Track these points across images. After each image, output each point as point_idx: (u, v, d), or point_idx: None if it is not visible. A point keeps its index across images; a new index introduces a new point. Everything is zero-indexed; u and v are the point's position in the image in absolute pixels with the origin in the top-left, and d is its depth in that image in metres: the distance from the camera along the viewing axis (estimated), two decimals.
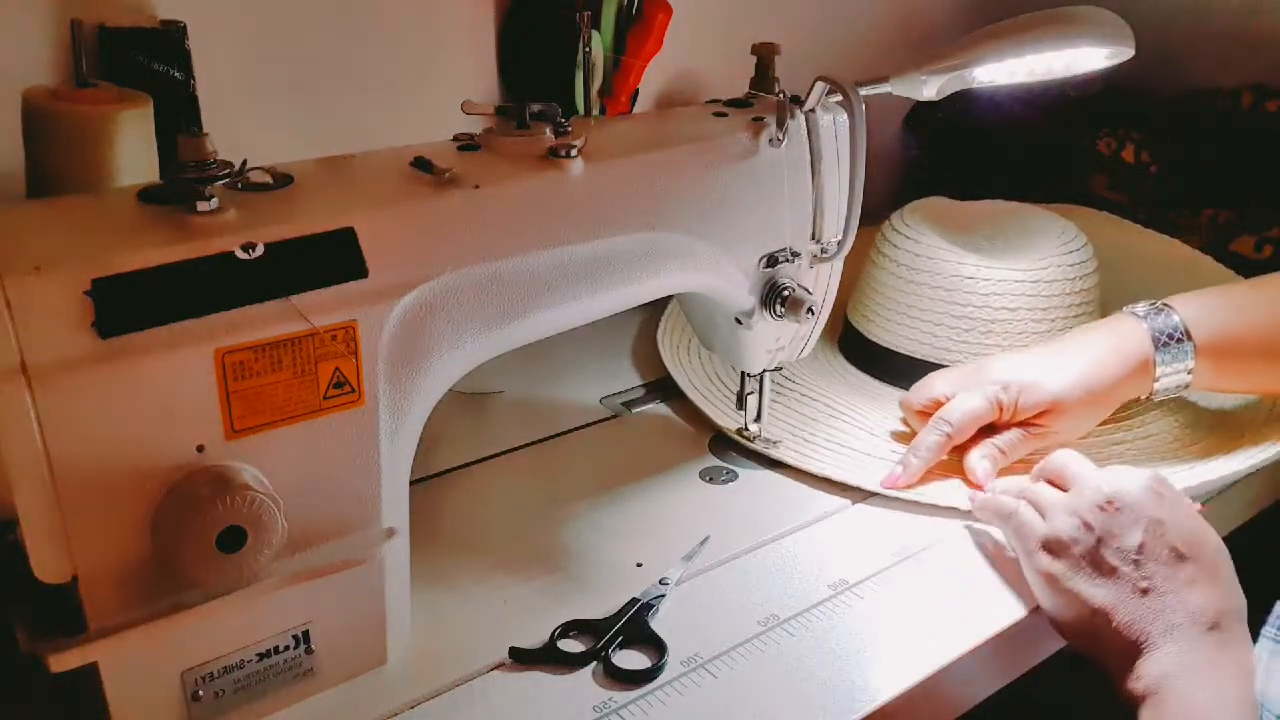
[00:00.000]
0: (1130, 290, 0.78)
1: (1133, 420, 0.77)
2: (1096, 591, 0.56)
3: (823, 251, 0.67)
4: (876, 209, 0.81)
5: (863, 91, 0.63)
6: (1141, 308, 0.71)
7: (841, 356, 0.88)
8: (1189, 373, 0.70)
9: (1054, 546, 0.58)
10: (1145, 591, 0.54)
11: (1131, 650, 0.53)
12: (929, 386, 0.74)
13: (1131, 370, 0.70)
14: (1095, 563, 0.56)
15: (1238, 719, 0.50)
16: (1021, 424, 0.71)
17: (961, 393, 0.71)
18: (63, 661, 0.43)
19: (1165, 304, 0.71)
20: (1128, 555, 0.55)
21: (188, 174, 0.45)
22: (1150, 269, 0.91)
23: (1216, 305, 0.71)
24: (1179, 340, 0.69)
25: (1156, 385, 0.70)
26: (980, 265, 0.80)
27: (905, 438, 0.75)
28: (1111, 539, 0.56)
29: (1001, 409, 0.70)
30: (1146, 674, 0.52)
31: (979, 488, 0.68)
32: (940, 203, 0.89)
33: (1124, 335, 0.70)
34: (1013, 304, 0.78)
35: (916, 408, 0.74)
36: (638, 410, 0.82)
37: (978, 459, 0.70)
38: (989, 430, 0.71)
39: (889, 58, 0.66)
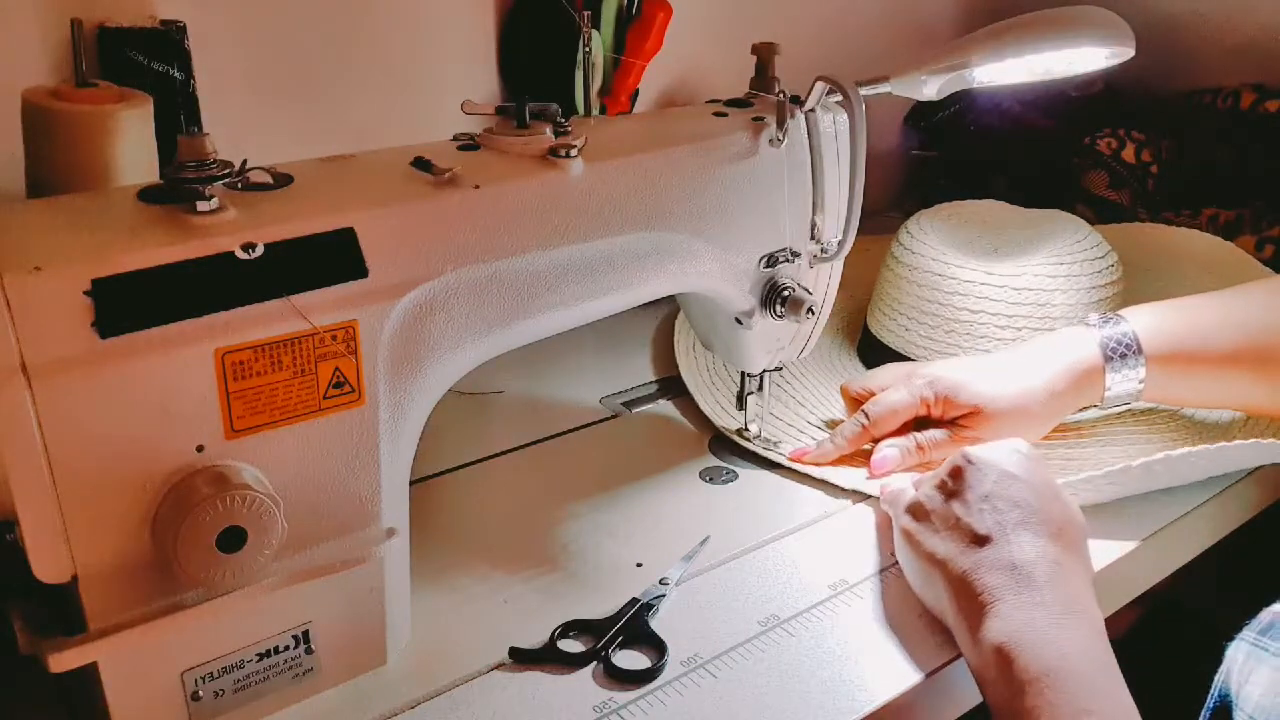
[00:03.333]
0: None
1: (1084, 439, 0.75)
2: (938, 543, 0.56)
3: (823, 251, 0.68)
4: (877, 209, 0.80)
5: (863, 91, 0.63)
6: (1094, 317, 0.71)
7: (855, 358, 0.88)
8: (1140, 382, 0.69)
9: (915, 510, 0.59)
10: (984, 540, 0.54)
11: (975, 609, 0.52)
12: (870, 377, 0.75)
13: (1075, 380, 0.69)
14: (943, 516, 0.57)
15: (1089, 672, 0.48)
16: (951, 424, 0.70)
17: (893, 387, 0.72)
18: (62, 661, 0.43)
19: (1118, 315, 0.71)
20: (972, 504, 0.56)
21: (187, 174, 0.45)
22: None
23: (1171, 316, 0.70)
24: (1129, 351, 0.69)
25: (1107, 394, 0.70)
26: (950, 264, 0.79)
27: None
28: (962, 492, 0.57)
29: (929, 406, 0.70)
30: (993, 633, 0.50)
31: (870, 469, 0.70)
32: (983, 206, 0.88)
33: (1072, 345, 0.70)
34: (975, 306, 0.78)
35: (851, 394, 0.75)
36: (638, 410, 0.82)
37: (884, 446, 0.70)
38: (923, 426, 0.71)
39: (889, 58, 0.66)
